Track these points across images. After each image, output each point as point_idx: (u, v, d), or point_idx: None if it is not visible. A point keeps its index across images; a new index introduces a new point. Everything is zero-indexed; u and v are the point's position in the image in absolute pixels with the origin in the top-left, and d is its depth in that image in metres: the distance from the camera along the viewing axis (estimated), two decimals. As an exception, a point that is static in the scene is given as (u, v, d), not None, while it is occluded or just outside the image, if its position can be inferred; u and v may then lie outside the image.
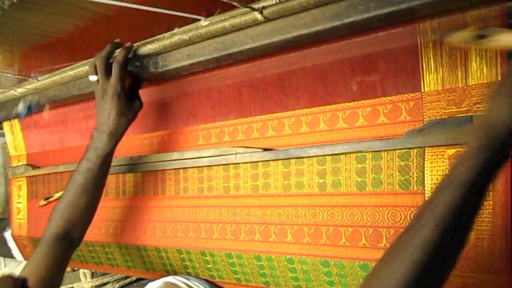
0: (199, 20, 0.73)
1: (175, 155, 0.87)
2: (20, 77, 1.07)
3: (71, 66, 0.94)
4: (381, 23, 0.60)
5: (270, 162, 0.75)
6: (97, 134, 0.80)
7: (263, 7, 0.64)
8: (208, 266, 0.85)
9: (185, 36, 0.74)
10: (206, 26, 0.71)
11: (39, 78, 1.01)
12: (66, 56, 0.98)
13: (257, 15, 0.65)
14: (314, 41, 0.67)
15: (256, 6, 0.64)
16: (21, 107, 1.06)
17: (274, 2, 0.63)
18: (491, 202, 0.56)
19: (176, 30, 0.76)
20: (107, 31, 0.89)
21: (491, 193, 0.56)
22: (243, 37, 0.69)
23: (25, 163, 1.23)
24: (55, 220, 0.82)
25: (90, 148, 0.81)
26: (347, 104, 0.68)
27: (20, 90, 1.07)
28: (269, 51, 0.71)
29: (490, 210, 0.56)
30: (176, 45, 0.76)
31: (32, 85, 1.03)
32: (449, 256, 0.43)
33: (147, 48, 0.80)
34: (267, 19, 0.65)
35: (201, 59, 0.74)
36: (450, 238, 0.42)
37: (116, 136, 0.80)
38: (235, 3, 0.64)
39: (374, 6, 0.56)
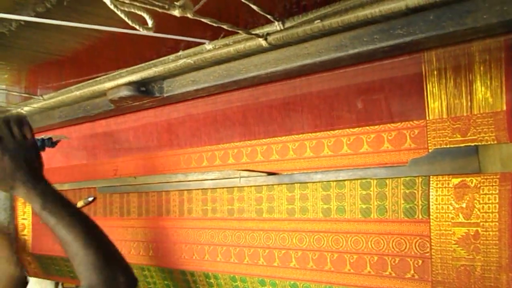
0: (203, 43, 0.73)
1: (179, 177, 0.87)
2: (26, 95, 1.08)
3: (76, 86, 0.95)
4: (386, 54, 0.60)
5: (274, 186, 0.75)
6: None
7: (268, 34, 0.64)
8: (212, 288, 0.85)
9: (190, 60, 0.74)
10: (210, 50, 0.71)
11: (45, 97, 1.02)
12: (72, 74, 0.99)
13: (262, 41, 0.65)
14: (318, 70, 0.67)
15: (260, 32, 0.65)
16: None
17: (278, 28, 0.64)
18: (497, 233, 0.55)
19: (181, 53, 0.76)
20: (113, 50, 0.90)
21: (497, 224, 0.55)
22: (248, 65, 0.69)
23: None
24: None
25: None
26: (351, 129, 0.68)
27: (27, 108, 1.08)
28: (274, 78, 0.71)
29: (497, 241, 0.55)
30: (181, 70, 0.76)
31: (39, 104, 1.04)
32: None
33: (152, 71, 0.80)
34: (272, 46, 0.65)
35: (206, 85, 0.74)
36: None
37: None
38: (240, 31, 0.64)
39: (379, 39, 0.56)
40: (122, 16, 0.45)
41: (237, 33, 0.69)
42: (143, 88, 0.80)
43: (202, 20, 0.54)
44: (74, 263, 0.64)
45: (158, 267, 0.93)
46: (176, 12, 0.46)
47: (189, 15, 0.48)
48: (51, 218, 0.64)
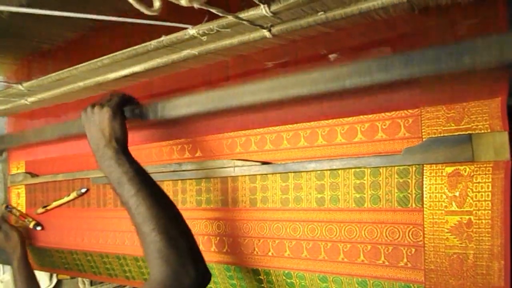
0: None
1: (173, 167, 0.87)
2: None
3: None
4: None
5: (268, 175, 0.75)
6: None
7: (272, 25, 0.62)
8: (206, 278, 0.85)
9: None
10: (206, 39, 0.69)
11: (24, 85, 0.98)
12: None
13: (265, 33, 0.63)
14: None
15: (264, 23, 0.63)
16: None
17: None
18: (490, 221, 0.55)
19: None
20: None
21: (489, 212, 0.55)
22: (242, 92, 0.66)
23: (24, 170, 1.23)
24: None
25: None
26: (345, 119, 0.67)
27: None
28: (268, 107, 0.69)
29: (489, 229, 0.55)
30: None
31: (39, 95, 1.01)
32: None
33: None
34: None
35: (201, 109, 0.70)
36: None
37: None
38: (244, 21, 0.62)
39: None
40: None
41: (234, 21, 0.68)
42: (137, 110, 0.76)
43: (210, 9, 0.53)
44: (143, 246, 0.63)
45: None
46: (183, 2, 0.45)
47: (195, 5, 0.47)
48: (132, 187, 0.64)
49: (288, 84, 0.61)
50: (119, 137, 0.70)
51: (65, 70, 0.81)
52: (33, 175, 1.19)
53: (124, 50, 0.74)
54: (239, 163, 0.77)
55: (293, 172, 0.72)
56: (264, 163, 0.75)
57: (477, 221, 0.56)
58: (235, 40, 0.66)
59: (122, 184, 0.65)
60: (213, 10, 0.55)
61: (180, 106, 0.73)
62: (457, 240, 0.58)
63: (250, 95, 0.65)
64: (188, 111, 0.72)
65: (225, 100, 0.68)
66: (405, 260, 0.62)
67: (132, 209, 0.63)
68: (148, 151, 0.93)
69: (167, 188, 0.89)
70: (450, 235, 0.58)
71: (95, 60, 0.76)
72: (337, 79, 0.57)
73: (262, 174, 0.75)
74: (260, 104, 0.66)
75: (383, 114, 0.64)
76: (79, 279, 1.28)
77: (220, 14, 0.61)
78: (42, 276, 1.32)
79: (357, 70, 0.55)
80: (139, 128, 0.88)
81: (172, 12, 0.54)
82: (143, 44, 0.74)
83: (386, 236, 0.63)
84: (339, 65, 0.57)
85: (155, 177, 0.89)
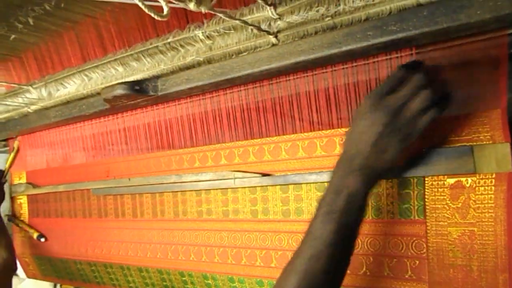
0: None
1: (173, 178, 0.87)
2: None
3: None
4: (379, 51, 0.58)
5: (269, 187, 0.74)
6: None
7: (278, 31, 0.63)
8: (210, 289, 0.84)
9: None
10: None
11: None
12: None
13: (272, 39, 0.64)
14: (311, 68, 0.66)
15: (270, 29, 0.63)
16: None
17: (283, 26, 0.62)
18: (493, 233, 0.55)
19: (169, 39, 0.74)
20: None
21: (492, 224, 0.55)
22: (242, 63, 0.68)
23: (25, 181, 1.23)
24: None
25: None
26: (343, 129, 0.66)
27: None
28: (267, 76, 0.70)
29: (493, 241, 0.55)
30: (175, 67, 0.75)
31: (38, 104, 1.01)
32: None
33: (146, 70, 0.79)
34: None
35: (200, 83, 0.73)
36: (327, 266, 0.50)
37: None
38: (251, 26, 0.62)
39: (372, 35, 0.55)
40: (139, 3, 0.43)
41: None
42: (137, 86, 0.79)
43: (217, 14, 0.53)
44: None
45: (156, 269, 0.92)
46: (192, 6, 0.45)
47: (203, 10, 0.46)
48: (332, 226, 0.50)
49: (286, 52, 0.62)
50: (379, 167, 0.51)
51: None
52: (35, 185, 1.19)
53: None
54: (239, 174, 0.77)
55: (293, 184, 0.71)
56: (264, 174, 0.74)
57: (481, 233, 0.56)
58: (241, 46, 0.67)
59: (330, 217, 0.51)
60: (220, 14, 0.55)
61: (180, 81, 0.74)
62: (461, 252, 0.57)
63: (249, 67, 0.66)
64: (188, 86, 0.74)
65: (224, 74, 0.69)
66: (409, 272, 0.61)
67: (317, 234, 0.51)
68: (146, 162, 0.92)
69: (167, 199, 0.89)
70: (454, 247, 0.57)
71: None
72: (334, 44, 0.58)
73: (262, 186, 0.75)
74: (260, 75, 0.67)
75: (383, 124, 0.63)
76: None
77: (227, 19, 0.61)
78: (46, 286, 1.32)
79: (352, 33, 0.56)
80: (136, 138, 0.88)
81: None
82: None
83: (390, 248, 0.63)
84: (336, 30, 0.58)
85: (157, 188, 0.89)
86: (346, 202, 0.50)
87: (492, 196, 0.54)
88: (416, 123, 0.49)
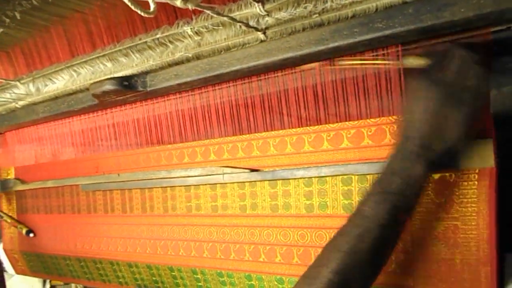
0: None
1: (162, 173, 0.87)
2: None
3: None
4: (365, 48, 0.59)
5: (257, 182, 0.75)
6: None
7: (267, 27, 0.64)
8: (199, 284, 0.85)
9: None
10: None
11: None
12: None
13: (260, 35, 0.64)
14: (299, 64, 0.66)
15: (258, 25, 0.64)
16: None
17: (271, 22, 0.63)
18: (476, 227, 0.56)
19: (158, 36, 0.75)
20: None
21: (475, 218, 0.56)
22: (230, 59, 0.69)
23: (13, 176, 1.22)
24: None
25: None
26: (331, 125, 0.67)
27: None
28: (255, 72, 0.70)
29: (475, 235, 0.56)
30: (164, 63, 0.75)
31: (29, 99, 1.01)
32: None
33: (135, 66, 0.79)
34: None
35: (189, 79, 0.74)
36: (374, 246, 0.48)
37: None
38: (239, 23, 0.63)
39: (359, 32, 0.56)
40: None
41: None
42: (126, 82, 0.79)
43: (205, 10, 0.54)
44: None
45: (146, 264, 0.92)
46: (178, 3, 0.45)
47: (189, 6, 0.47)
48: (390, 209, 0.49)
49: (274, 49, 0.63)
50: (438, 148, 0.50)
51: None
52: (23, 181, 1.18)
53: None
54: (228, 170, 0.77)
55: (282, 179, 0.72)
56: (253, 170, 0.75)
57: (464, 227, 0.57)
58: (229, 43, 0.67)
59: (385, 197, 0.50)
60: (208, 11, 0.55)
61: (169, 77, 0.75)
62: (444, 246, 0.58)
63: (237, 63, 0.67)
64: (177, 82, 0.74)
65: (213, 69, 0.70)
66: (393, 265, 0.62)
67: (368, 213, 0.50)
68: (136, 157, 0.92)
69: (157, 195, 0.89)
70: (438, 241, 0.58)
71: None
72: (321, 41, 0.59)
73: (251, 181, 0.75)
74: (248, 71, 0.68)
75: (368, 120, 0.64)
76: (73, 285, 1.28)
77: (215, 15, 0.61)
78: (35, 282, 1.32)
79: (339, 30, 0.57)
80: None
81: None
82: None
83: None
84: (323, 27, 0.59)
85: (146, 184, 0.89)
86: (403, 184, 0.49)
87: (475, 191, 0.56)
88: (477, 88, 0.49)
